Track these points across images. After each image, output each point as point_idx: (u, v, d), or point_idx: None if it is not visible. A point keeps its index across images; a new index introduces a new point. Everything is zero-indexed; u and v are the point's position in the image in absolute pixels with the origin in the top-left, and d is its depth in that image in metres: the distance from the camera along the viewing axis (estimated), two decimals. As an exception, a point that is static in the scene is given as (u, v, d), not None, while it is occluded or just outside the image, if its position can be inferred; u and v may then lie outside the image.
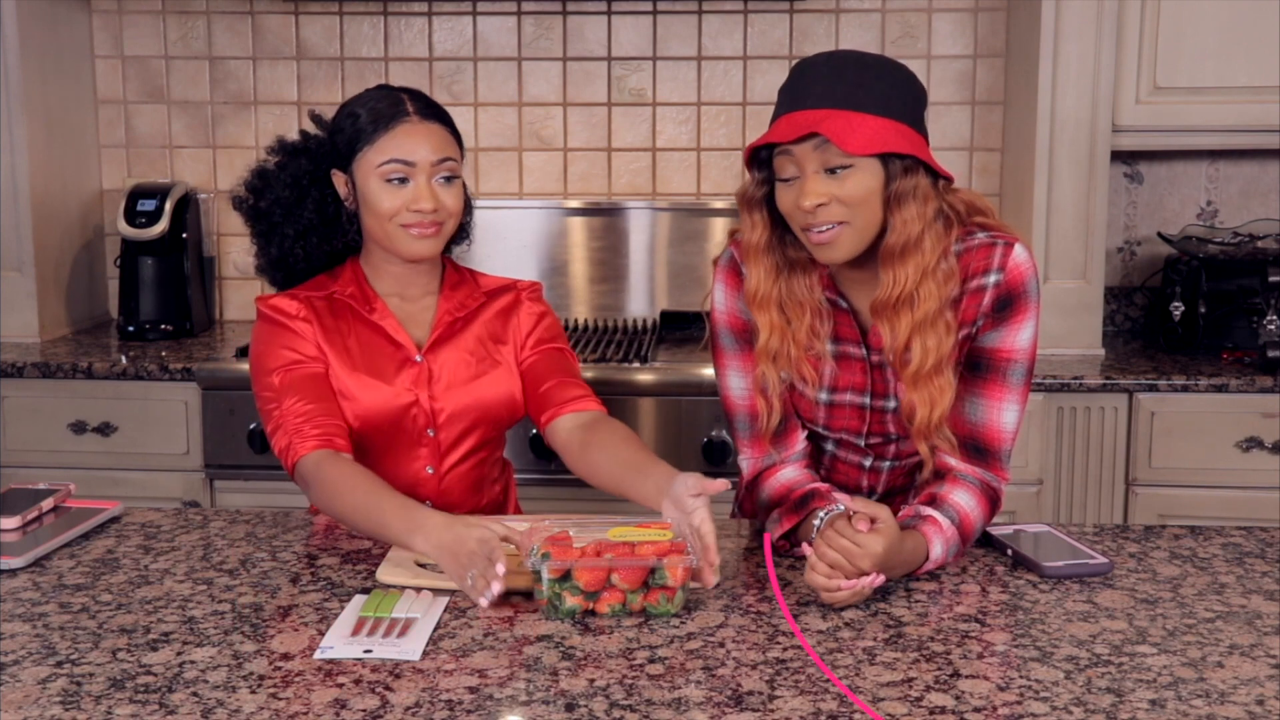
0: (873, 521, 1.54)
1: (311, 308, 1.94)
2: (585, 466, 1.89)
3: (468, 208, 2.02)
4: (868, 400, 1.75)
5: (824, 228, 1.61)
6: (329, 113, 2.01)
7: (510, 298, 2.04)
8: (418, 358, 1.95)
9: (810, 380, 1.73)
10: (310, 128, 2.01)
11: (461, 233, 2.03)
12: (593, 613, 1.50)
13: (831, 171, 1.59)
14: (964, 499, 1.68)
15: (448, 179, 1.91)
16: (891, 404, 1.74)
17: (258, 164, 2.00)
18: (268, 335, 1.93)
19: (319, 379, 1.89)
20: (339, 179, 1.94)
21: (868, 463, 1.82)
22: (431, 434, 1.95)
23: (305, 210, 1.95)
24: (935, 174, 1.64)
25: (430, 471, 1.96)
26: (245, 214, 2.00)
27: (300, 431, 1.83)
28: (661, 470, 1.71)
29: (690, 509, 1.60)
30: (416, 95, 1.95)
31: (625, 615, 1.50)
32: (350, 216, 1.96)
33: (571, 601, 1.49)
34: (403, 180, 1.88)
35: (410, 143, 1.88)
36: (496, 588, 1.50)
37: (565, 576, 1.49)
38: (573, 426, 1.92)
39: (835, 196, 1.59)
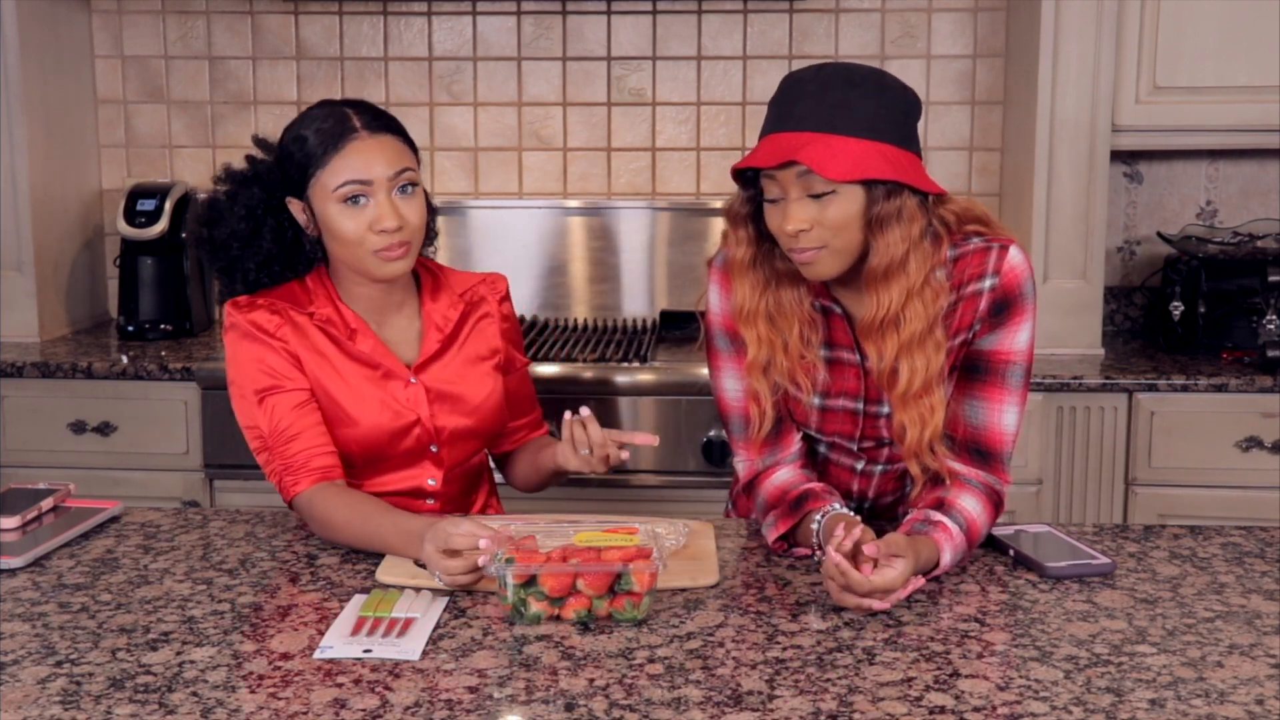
0: (875, 563, 1.52)
1: (292, 324, 1.88)
2: (512, 476, 2.13)
3: (430, 210, 1.95)
4: (861, 405, 1.75)
5: (806, 250, 1.61)
6: None
7: (484, 309, 2.02)
8: (412, 379, 1.92)
9: (804, 387, 1.73)
10: (257, 153, 1.94)
11: (427, 238, 1.97)
12: (558, 619, 1.49)
13: (815, 196, 1.58)
14: (970, 504, 1.68)
15: (408, 188, 1.84)
16: (885, 409, 1.73)
17: (207, 195, 1.95)
18: (246, 353, 1.87)
19: (301, 404, 1.85)
20: (295, 206, 1.88)
21: (859, 466, 1.82)
22: (435, 450, 1.94)
23: (263, 240, 1.89)
24: (924, 190, 1.62)
25: (433, 484, 1.96)
26: (203, 249, 1.94)
27: (289, 468, 1.81)
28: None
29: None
30: (362, 108, 1.87)
31: (591, 621, 1.48)
32: (314, 243, 1.91)
33: (536, 607, 1.48)
34: (361, 199, 1.81)
35: (362, 160, 1.81)
36: (456, 579, 1.57)
37: (530, 582, 1.48)
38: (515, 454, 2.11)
39: (817, 222, 1.58)
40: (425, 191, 1.92)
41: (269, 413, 1.83)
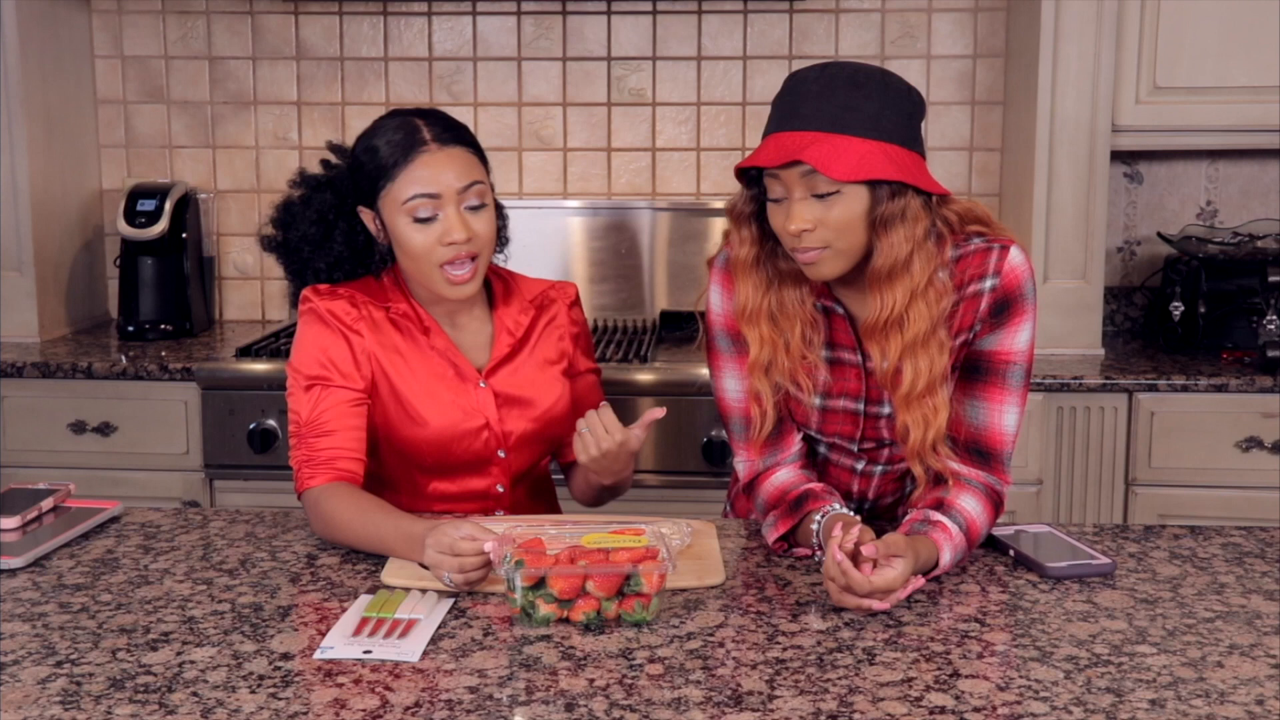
0: (875, 563, 1.52)
1: (370, 320, 1.89)
2: (573, 487, 2.06)
3: (500, 214, 1.97)
4: (862, 406, 1.75)
5: (809, 249, 1.61)
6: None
7: (552, 312, 2.03)
8: (482, 384, 1.93)
9: (805, 387, 1.73)
10: (331, 158, 1.98)
11: (498, 245, 1.98)
12: (566, 620, 1.49)
13: (819, 196, 1.57)
14: (970, 504, 1.68)
15: (477, 207, 1.84)
16: (886, 409, 1.73)
17: (283, 198, 1.98)
18: (312, 337, 1.87)
19: (346, 402, 1.85)
20: (366, 215, 1.90)
21: (859, 467, 1.82)
22: (503, 455, 1.95)
23: (334, 244, 1.93)
24: (928, 190, 1.61)
25: (501, 490, 1.97)
26: (275, 251, 1.98)
27: (310, 461, 1.82)
28: None
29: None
30: (434, 119, 1.88)
31: (600, 623, 1.48)
32: (384, 253, 1.93)
33: (545, 609, 1.47)
34: (431, 217, 1.82)
35: (431, 173, 1.82)
36: (469, 576, 1.56)
37: (539, 584, 1.47)
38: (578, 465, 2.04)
39: (821, 222, 1.58)
40: (496, 200, 1.92)
41: (311, 402, 1.84)
